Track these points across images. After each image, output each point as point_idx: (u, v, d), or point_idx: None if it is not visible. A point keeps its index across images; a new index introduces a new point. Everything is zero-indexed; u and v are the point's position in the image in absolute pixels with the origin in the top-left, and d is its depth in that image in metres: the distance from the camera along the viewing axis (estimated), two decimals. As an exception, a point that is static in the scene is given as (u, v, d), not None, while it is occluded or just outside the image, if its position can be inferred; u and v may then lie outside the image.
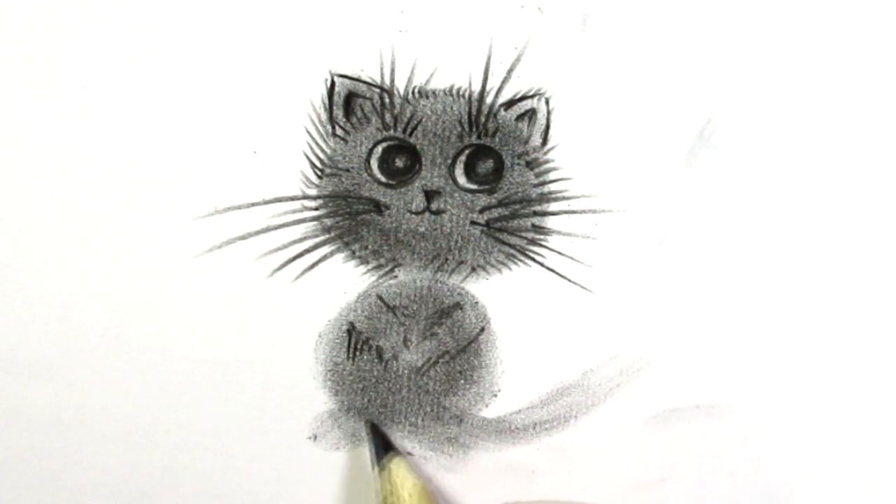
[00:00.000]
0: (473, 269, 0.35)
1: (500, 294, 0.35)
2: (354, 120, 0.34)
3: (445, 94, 0.34)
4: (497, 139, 0.34)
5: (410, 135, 0.34)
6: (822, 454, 0.36)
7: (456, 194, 0.35)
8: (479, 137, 0.34)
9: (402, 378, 0.36)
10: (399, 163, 0.34)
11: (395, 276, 0.35)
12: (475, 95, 0.34)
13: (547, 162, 0.35)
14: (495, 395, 0.36)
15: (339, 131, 0.34)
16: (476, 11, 0.33)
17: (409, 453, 0.36)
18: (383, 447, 0.35)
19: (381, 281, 0.35)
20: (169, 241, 0.34)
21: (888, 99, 0.34)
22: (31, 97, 0.34)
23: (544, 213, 0.35)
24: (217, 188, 0.34)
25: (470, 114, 0.34)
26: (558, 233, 0.35)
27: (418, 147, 0.34)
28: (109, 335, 0.35)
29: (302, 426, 0.36)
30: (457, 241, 0.35)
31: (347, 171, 0.35)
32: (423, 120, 0.34)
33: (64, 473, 0.36)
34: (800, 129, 0.34)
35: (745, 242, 0.35)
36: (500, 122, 0.34)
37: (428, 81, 0.34)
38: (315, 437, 0.36)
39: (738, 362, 0.35)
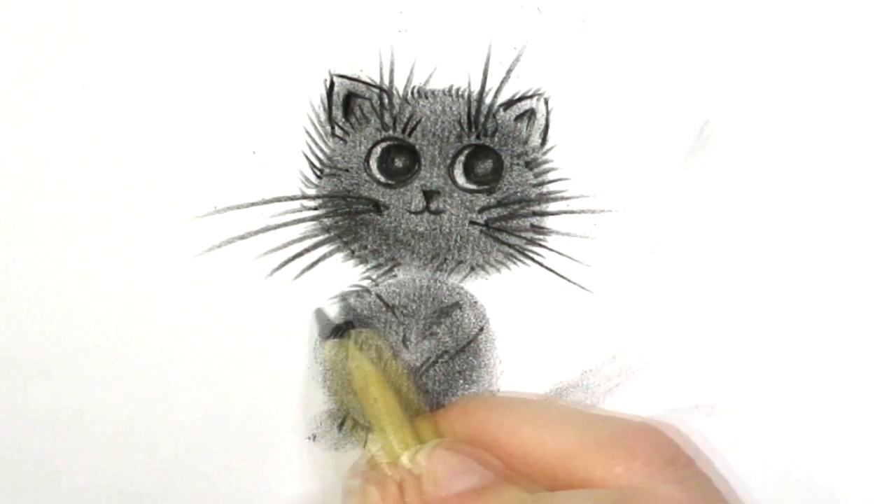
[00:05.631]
0: (472, 269, 0.35)
1: (499, 294, 0.35)
2: (353, 120, 0.34)
3: (444, 94, 0.34)
4: (496, 139, 0.34)
5: (409, 135, 0.34)
6: (822, 454, 0.36)
7: (455, 194, 0.35)
8: (478, 137, 0.34)
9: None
10: (398, 163, 0.34)
11: (395, 276, 0.35)
12: (474, 96, 0.34)
13: (546, 162, 0.35)
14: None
15: (338, 131, 0.34)
16: (475, 12, 0.33)
17: None
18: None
19: (380, 280, 0.35)
20: (168, 241, 0.34)
21: (887, 100, 0.34)
22: (31, 97, 0.34)
23: (543, 213, 0.35)
24: (216, 188, 0.34)
25: (469, 114, 0.34)
26: (557, 233, 0.35)
27: (417, 147, 0.34)
28: (109, 335, 0.35)
29: (301, 426, 0.36)
30: (456, 241, 0.35)
31: (346, 171, 0.35)
32: (423, 120, 0.34)
33: (63, 473, 0.36)
34: (798, 130, 0.34)
35: (743, 242, 0.35)
36: (500, 122, 0.34)
37: (427, 81, 0.34)
38: (314, 437, 0.36)
39: (737, 362, 0.35)
